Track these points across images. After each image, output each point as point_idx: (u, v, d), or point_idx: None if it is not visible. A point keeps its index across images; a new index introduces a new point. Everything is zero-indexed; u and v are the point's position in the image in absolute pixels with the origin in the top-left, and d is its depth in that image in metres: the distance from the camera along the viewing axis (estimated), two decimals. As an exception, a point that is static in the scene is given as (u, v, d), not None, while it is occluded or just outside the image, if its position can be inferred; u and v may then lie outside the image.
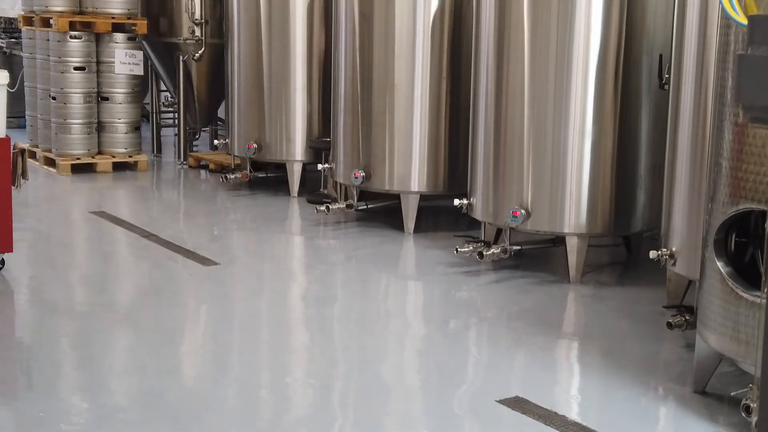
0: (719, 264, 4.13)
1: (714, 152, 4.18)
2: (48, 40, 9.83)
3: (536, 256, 6.83)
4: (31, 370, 4.73)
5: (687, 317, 4.90)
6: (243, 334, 5.39)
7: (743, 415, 3.86)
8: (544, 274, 6.47)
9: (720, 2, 3.91)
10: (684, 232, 5.09)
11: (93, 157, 9.96)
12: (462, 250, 6.40)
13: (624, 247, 6.98)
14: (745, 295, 3.99)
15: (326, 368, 4.82)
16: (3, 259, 6.16)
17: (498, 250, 6.32)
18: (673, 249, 5.16)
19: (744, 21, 3.75)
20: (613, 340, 5.28)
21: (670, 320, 4.92)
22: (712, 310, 4.16)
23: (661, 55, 5.89)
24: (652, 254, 5.23)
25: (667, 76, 5.54)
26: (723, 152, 4.07)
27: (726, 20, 4.04)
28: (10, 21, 12.79)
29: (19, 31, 11.04)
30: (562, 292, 6.12)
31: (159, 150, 11.22)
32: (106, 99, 9.94)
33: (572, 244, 6.21)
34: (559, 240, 6.45)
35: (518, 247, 6.45)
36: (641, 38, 6.19)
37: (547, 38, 6.13)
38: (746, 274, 4.10)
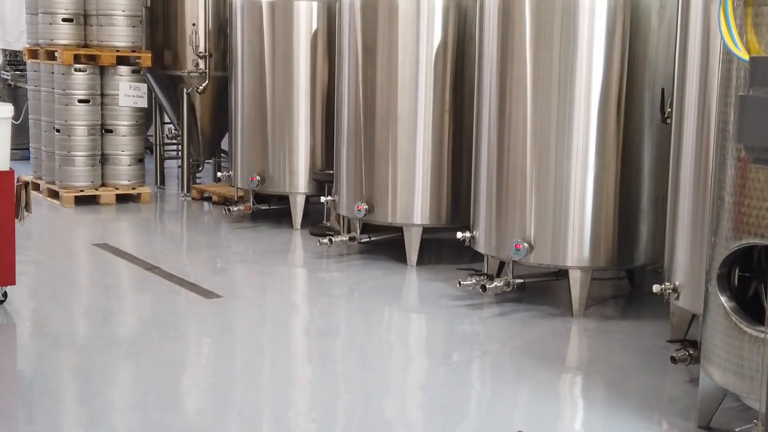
0: (723, 299, 4.12)
1: (717, 186, 4.18)
2: (53, 72, 9.88)
3: (539, 289, 6.83)
4: (32, 404, 4.71)
5: (691, 351, 4.88)
6: (245, 368, 5.37)
7: (748, 451, 3.84)
8: (548, 308, 6.45)
9: (721, 37, 3.93)
10: (687, 266, 5.08)
11: (96, 189, 9.98)
12: (465, 283, 6.39)
13: (627, 280, 6.97)
14: (749, 330, 3.97)
15: (329, 402, 4.81)
16: (5, 292, 6.15)
17: (501, 284, 6.31)
18: (677, 283, 5.16)
19: (745, 56, 3.77)
20: (616, 374, 5.26)
21: (674, 354, 4.90)
22: (715, 345, 4.15)
23: (663, 89, 5.91)
24: (656, 288, 5.23)
25: (669, 109, 5.56)
26: (726, 187, 4.07)
27: (727, 55, 4.06)
28: (15, 54, 12.85)
29: (24, 64, 11.10)
30: (566, 325, 6.10)
31: (162, 182, 11.24)
32: (110, 131, 9.97)
33: (575, 277, 6.20)
34: (562, 273, 6.44)
35: (521, 281, 6.43)
36: (643, 72, 6.22)
37: (549, 72, 6.15)
38: (750, 309, 4.09)
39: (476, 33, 6.79)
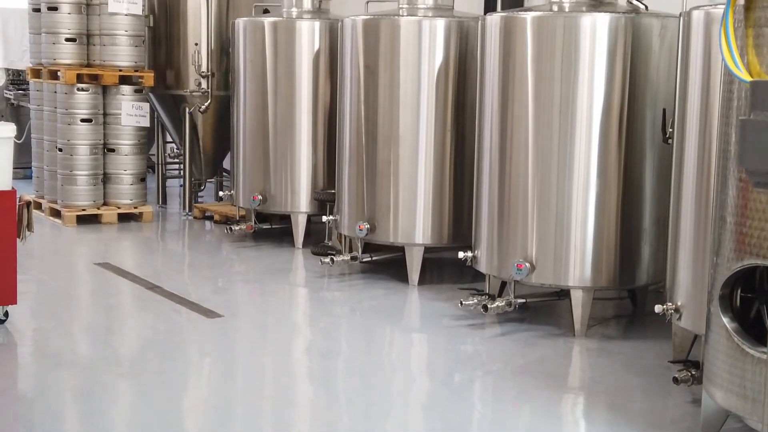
0: (725, 319, 4.11)
1: (718, 207, 4.18)
2: (55, 92, 9.90)
3: (541, 309, 6.81)
4: (33, 424, 4.70)
5: (693, 372, 4.87)
6: (246, 388, 5.36)
7: (751, 472, 3.83)
8: (549, 328, 6.44)
9: (722, 58, 3.94)
10: (689, 287, 5.08)
11: (98, 208, 9.98)
12: (466, 302, 6.38)
13: (629, 300, 6.95)
14: (752, 351, 3.97)
15: (330, 423, 4.79)
16: (7, 311, 6.15)
17: (503, 303, 6.30)
18: (679, 303, 5.15)
19: (746, 77, 3.77)
20: (618, 395, 5.24)
21: (677, 375, 4.89)
22: (718, 366, 4.14)
23: (664, 109, 5.92)
24: (658, 308, 5.22)
25: (671, 130, 5.56)
26: (727, 207, 4.07)
27: (728, 75, 4.06)
28: (18, 73, 12.89)
29: (27, 83, 11.13)
30: (567, 345, 6.09)
31: (164, 201, 11.24)
32: (112, 150, 9.98)
33: (577, 297, 6.19)
34: (564, 293, 6.44)
35: (523, 300, 6.42)
36: (645, 92, 6.23)
37: (551, 92, 6.16)
38: (752, 330, 4.08)
39: (478, 53, 6.81)
